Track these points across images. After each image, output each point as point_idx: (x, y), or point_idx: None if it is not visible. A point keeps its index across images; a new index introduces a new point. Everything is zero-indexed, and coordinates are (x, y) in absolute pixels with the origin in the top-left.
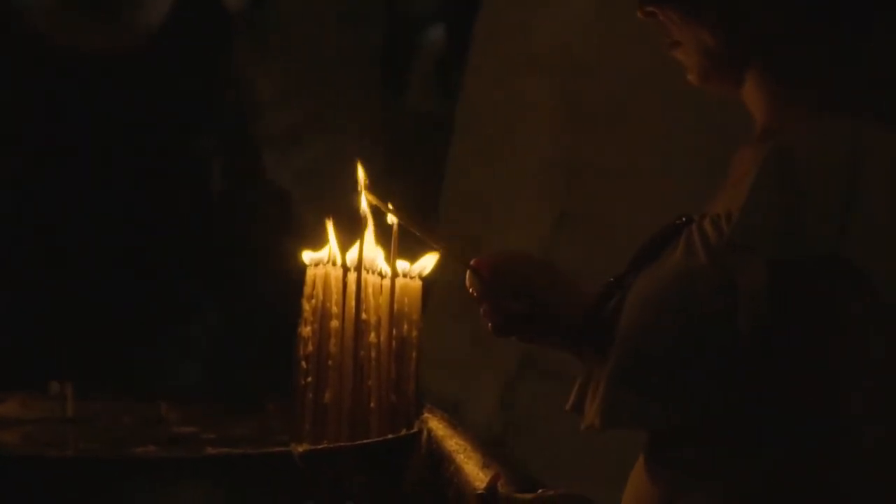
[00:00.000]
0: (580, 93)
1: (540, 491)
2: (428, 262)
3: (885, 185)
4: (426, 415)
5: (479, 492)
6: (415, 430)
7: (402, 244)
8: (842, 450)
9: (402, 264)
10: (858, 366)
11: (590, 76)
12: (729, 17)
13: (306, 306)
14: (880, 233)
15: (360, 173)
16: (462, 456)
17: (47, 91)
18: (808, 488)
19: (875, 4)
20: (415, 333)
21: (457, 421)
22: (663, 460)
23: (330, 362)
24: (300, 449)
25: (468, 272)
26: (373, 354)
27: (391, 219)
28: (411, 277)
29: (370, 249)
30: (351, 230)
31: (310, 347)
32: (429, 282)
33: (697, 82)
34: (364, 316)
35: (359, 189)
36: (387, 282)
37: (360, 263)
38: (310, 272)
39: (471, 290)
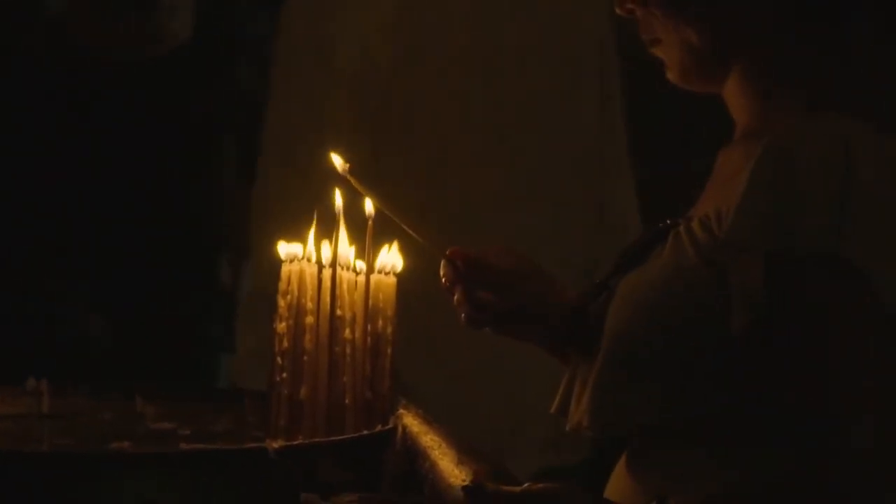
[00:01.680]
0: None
1: (527, 485)
2: (394, 257)
3: (879, 183)
4: (401, 411)
5: (465, 484)
6: (390, 426)
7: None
8: (838, 450)
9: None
10: (856, 365)
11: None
12: (713, 15)
13: (281, 302)
14: (876, 231)
15: (338, 161)
16: (437, 452)
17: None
18: (803, 489)
19: (861, 3)
20: (390, 330)
21: (432, 417)
22: (651, 460)
23: (305, 358)
24: (275, 445)
25: (443, 261)
26: (348, 351)
27: (371, 206)
28: (386, 273)
29: (344, 246)
30: (327, 226)
31: (285, 343)
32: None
33: (678, 80)
34: (339, 312)
35: (341, 174)
36: (361, 278)
37: (334, 260)
38: (285, 268)
39: (443, 278)
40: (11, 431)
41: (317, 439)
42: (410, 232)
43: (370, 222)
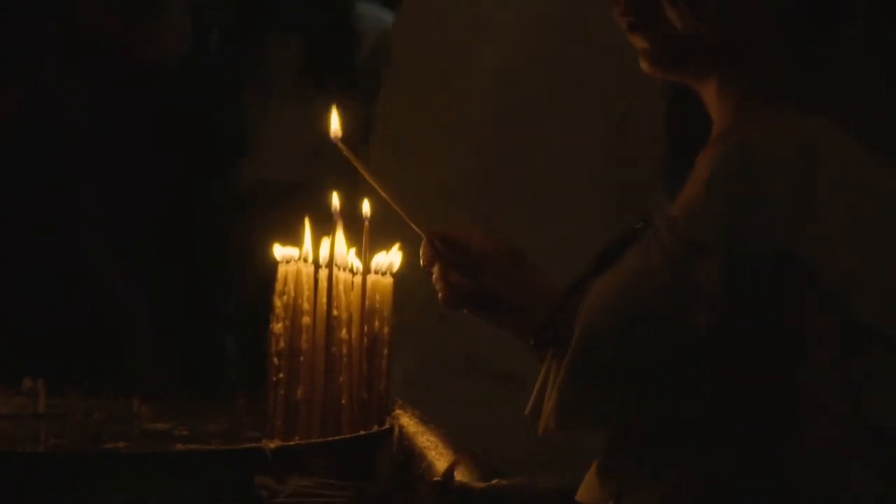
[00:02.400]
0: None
1: (494, 481)
2: (391, 257)
3: (842, 186)
4: (397, 411)
5: (436, 479)
6: (386, 426)
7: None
8: (793, 450)
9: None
10: (812, 366)
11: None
12: (713, 11)
13: (278, 303)
14: (833, 233)
15: (335, 120)
16: (433, 452)
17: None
18: (756, 489)
19: (846, 8)
20: (386, 330)
21: (427, 417)
22: (612, 459)
23: (301, 359)
24: (272, 445)
25: (424, 240)
26: (344, 351)
27: (367, 207)
28: (383, 274)
29: (341, 246)
30: (324, 227)
31: (281, 344)
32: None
33: (652, 69)
34: (335, 312)
35: (332, 137)
36: (358, 278)
37: (331, 260)
38: (281, 269)
39: (422, 257)
40: (7, 431)
41: (313, 439)
42: (396, 208)
43: (366, 223)
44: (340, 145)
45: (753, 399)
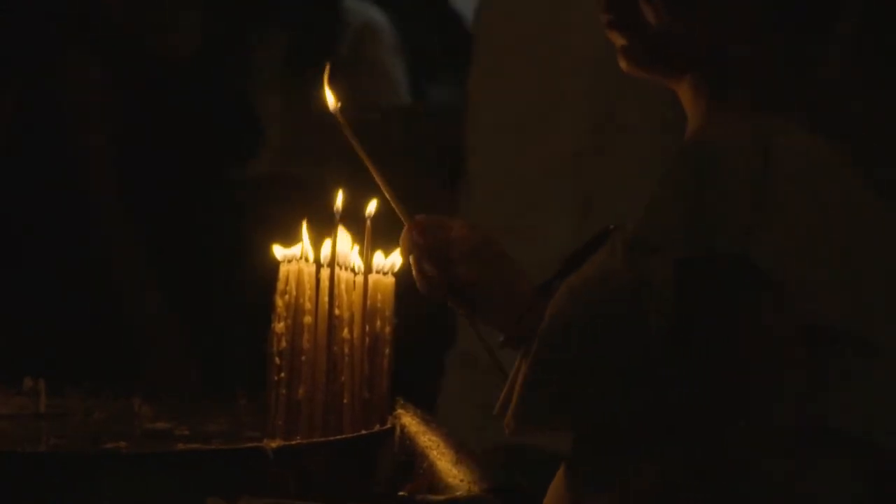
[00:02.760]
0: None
1: (458, 494)
2: (396, 258)
3: (794, 186)
4: (399, 411)
5: (402, 493)
6: (388, 426)
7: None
8: (748, 452)
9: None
10: (769, 367)
11: None
12: (680, 11)
13: (279, 302)
14: (788, 233)
15: (331, 98)
16: (435, 452)
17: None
18: (712, 490)
19: (825, 11)
20: (388, 329)
21: (430, 417)
22: (574, 462)
23: (303, 358)
24: (273, 445)
25: (405, 227)
26: (346, 350)
27: (373, 207)
28: (384, 273)
29: (343, 245)
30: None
31: (283, 343)
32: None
33: (629, 67)
34: (337, 312)
35: (331, 109)
36: (360, 278)
37: (332, 259)
38: (283, 268)
39: (400, 244)
40: (8, 431)
41: (314, 439)
42: (383, 189)
43: (368, 222)
44: (338, 116)
45: (709, 400)
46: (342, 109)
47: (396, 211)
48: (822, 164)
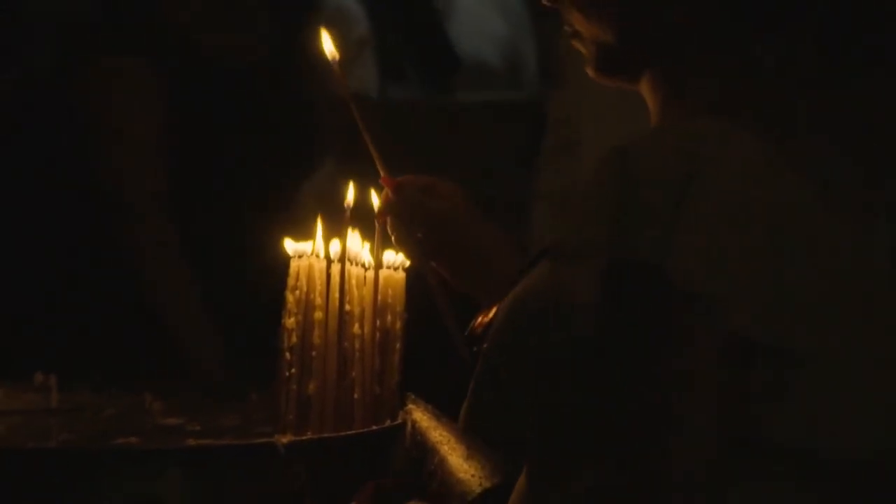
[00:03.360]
0: None
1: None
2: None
3: (718, 195)
4: (410, 406)
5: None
6: (399, 421)
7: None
8: (671, 465)
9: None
10: (690, 379)
11: None
12: (627, 17)
13: (290, 298)
14: (709, 245)
15: (328, 46)
16: (447, 447)
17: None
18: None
19: (780, 13)
20: (399, 325)
21: (441, 412)
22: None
23: (314, 353)
24: (284, 440)
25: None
26: (357, 346)
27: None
28: (395, 269)
29: (354, 241)
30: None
31: (294, 339)
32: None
33: (594, 76)
34: (348, 307)
35: (330, 58)
36: (370, 274)
37: (343, 255)
38: (293, 263)
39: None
40: (19, 426)
41: (325, 434)
42: (372, 151)
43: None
44: (336, 67)
45: (636, 413)
46: (338, 61)
47: (380, 170)
48: (753, 172)
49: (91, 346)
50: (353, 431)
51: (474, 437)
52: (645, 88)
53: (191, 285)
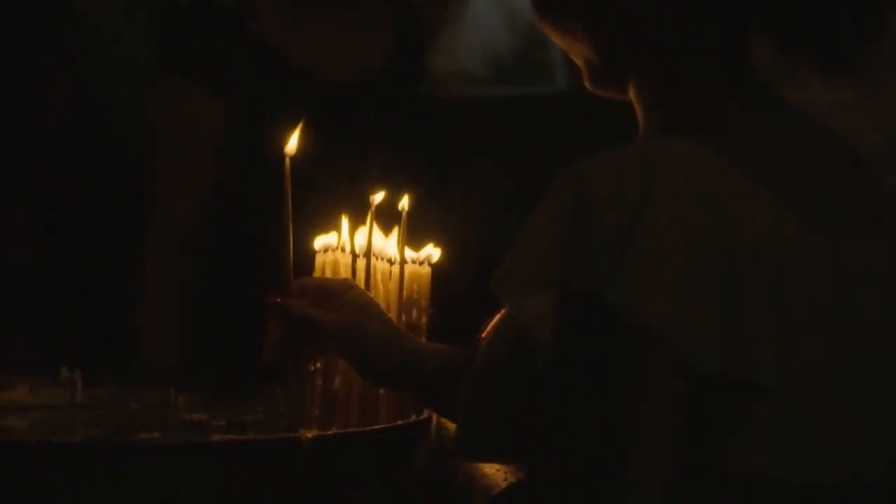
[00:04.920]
0: None
1: None
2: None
3: (671, 224)
4: None
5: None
6: (424, 416)
7: (411, 231)
8: (626, 496)
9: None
10: (643, 410)
11: None
12: (598, 35)
13: None
14: (656, 277)
15: (295, 138)
16: None
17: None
18: None
19: (751, 25)
20: (424, 319)
21: None
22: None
23: None
24: (309, 435)
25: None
26: None
27: (406, 201)
28: (420, 264)
29: (378, 236)
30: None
31: None
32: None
33: (589, 87)
34: None
35: (286, 151)
36: (396, 268)
37: (368, 250)
38: (319, 258)
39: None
40: (45, 421)
41: (351, 429)
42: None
43: (404, 214)
44: (287, 162)
45: (597, 442)
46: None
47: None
48: (714, 197)
49: (117, 341)
50: (379, 426)
51: None
52: (633, 101)
53: (183, 284)
